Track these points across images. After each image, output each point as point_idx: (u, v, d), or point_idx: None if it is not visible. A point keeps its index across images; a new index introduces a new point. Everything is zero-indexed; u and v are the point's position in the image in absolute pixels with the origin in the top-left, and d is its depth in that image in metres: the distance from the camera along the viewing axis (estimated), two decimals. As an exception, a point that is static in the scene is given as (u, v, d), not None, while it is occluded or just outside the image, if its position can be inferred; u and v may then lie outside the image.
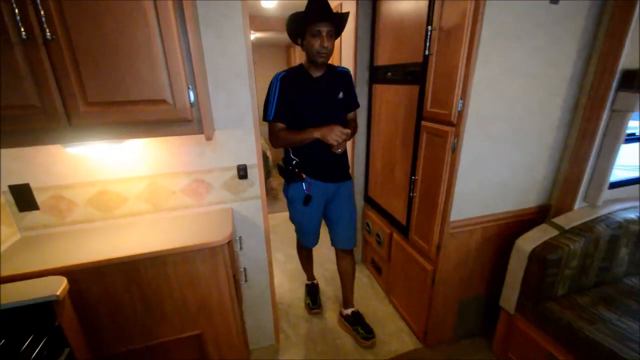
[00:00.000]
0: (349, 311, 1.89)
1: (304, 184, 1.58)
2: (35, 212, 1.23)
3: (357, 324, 1.83)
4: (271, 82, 1.46)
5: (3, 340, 0.82)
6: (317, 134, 1.43)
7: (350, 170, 1.73)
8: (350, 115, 1.67)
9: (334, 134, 1.41)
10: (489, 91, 1.26)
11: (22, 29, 0.83)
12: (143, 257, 1.09)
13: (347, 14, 1.44)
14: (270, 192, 4.02)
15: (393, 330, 1.87)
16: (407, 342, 1.79)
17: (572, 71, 1.36)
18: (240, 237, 1.47)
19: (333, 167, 1.61)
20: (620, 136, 1.34)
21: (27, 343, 0.83)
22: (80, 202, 1.26)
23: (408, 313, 1.89)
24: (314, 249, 1.98)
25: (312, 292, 2.11)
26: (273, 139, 1.52)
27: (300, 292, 2.21)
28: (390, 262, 2.02)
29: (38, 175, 1.19)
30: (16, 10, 0.81)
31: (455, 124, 1.30)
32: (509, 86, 1.28)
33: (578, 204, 1.49)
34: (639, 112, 1.30)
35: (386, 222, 2.02)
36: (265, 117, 1.47)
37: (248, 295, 1.60)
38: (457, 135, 1.31)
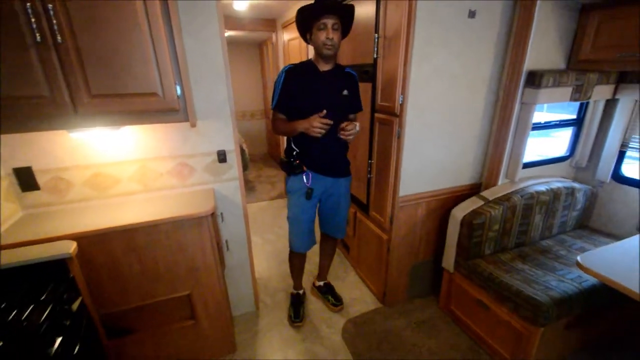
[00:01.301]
0: (321, 283, 2.14)
1: (304, 176, 1.64)
2: (36, 192, 1.40)
3: (328, 293, 2.09)
4: (279, 74, 1.55)
5: (29, 284, 1.02)
6: (300, 127, 1.47)
7: (349, 167, 1.77)
8: (352, 116, 1.69)
9: (313, 125, 1.42)
10: (423, 88, 1.56)
11: (37, 34, 1.01)
12: (139, 226, 1.29)
13: (351, 6, 1.49)
14: (247, 184, 4.22)
15: (358, 296, 2.16)
16: (370, 303, 2.08)
17: (491, 72, 1.68)
18: (221, 213, 1.69)
19: (332, 161, 1.66)
20: (528, 124, 1.68)
21: (49, 289, 1.03)
22: (77, 182, 1.44)
23: (370, 280, 2.18)
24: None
25: (297, 303, 1.99)
26: (273, 127, 1.62)
27: (277, 268, 2.45)
28: (355, 238, 2.31)
29: (40, 159, 1.36)
30: (32, 19, 1.00)
31: (398, 114, 1.59)
32: (438, 84, 1.58)
33: (501, 180, 1.83)
34: (541, 104, 1.64)
35: (353, 204, 2.29)
36: (271, 105, 1.58)
37: (230, 265, 1.83)
38: (400, 124, 1.60)
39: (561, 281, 1.48)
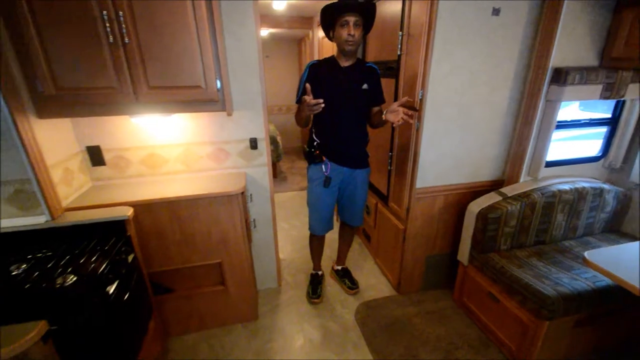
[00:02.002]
0: (339, 267, 2.29)
1: (323, 165, 1.75)
2: (103, 167, 1.69)
3: (345, 277, 2.22)
4: (305, 68, 1.67)
5: (97, 238, 1.28)
6: (302, 112, 1.55)
7: (368, 159, 1.86)
8: (376, 109, 1.74)
9: (306, 108, 1.46)
10: (441, 84, 1.62)
11: (110, 36, 1.25)
12: (182, 199, 1.52)
13: (373, 4, 1.57)
14: (279, 175, 4.45)
15: (374, 283, 2.27)
16: (384, 290, 2.18)
17: (515, 69, 1.69)
18: (251, 194, 1.89)
19: (350, 152, 1.75)
20: (553, 121, 1.67)
21: (111, 242, 1.28)
22: (134, 161, 1.71)
23: (387, 268, 2.28)
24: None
25: (315, 282, 2.15)
26: (296, 118, 1.71)
27: (300, 252, 2.63)
28: (376, 228, 2.41)
29: (106, 139, 1.64)
30: (107, 24, 1.24)
31: (418, 109, 1.67)
32: (457, 81, 1.63)
33: (523, 178, 1.83)
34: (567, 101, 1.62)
35: (374, 194, 2.40)
36: (295, 100, 1.67)
37: (256, 242, 2.03)
38: (419, 118, 1.68)
39: (574, 279, 1.48)
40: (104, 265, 1.16)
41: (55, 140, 1.43)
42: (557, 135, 1.82)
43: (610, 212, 1.86)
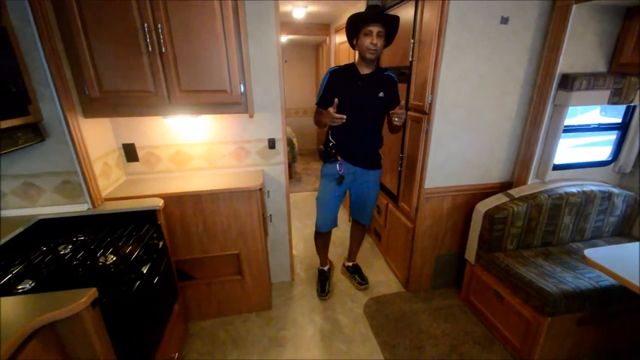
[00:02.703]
0: (350, 263, 2.38)
1: (337, 164, 1.86)
2: (136, 163, 1.86)
3: (355, 273, 2.31)
4: (324, 74, 1.78)
5: (132, 225, 1.43)
6: (324, 119, 1.70)
7: (381, 161, 1.95)
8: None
9: (328, 118, 1.62)
10: (450, 89, 1.70)
11: (149, 45, 1.41)
12: (205, 193, 1.67)
13: (396, 17, 1.65)
14: (294, 175, 4.59)
15: (384, 280, 2.34)
16: (394, 287, 2.26)
17: (525, 74, 1.75)
18: (268, 191, 2.02)
19: (364, 154, 1.86)
20: (560, 125, 1.72)
21: (144, 228, 1.43)
22: (164, 157, 1.87)
23: (396, 266, 2.35)
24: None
25: (323, 278, 2.23)
26: (315, 119, 1.87)
27: (313, 249, 2.71)
28: (386, 227, 2.49)
29: (140, 137, 1.81)
30: (147, 35, 1.40)
31: (427, 112, 1.76)
32: (466, 85, 1.71)
33: (531, 180, 1.88)
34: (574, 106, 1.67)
35: (385, 195, 2.48)
36: (315, 102, 1.83)
37: (272, 236, 2.15)
38: (428, 121, 1.76)
39: (578, 278, 1.52)
40: (139, 249, 1.30)
41: (97, 137, 1.61)
42: (570, 139, 1.87)
43: (620, 216, 1.87)
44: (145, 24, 1.37)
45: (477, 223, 1.84)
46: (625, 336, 1.64)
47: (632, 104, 1.73)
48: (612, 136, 1.96)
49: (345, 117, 1.60)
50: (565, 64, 1.64)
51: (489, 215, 1.76)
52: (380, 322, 1.92)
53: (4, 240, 1.22)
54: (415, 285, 2.18)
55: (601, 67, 1.71)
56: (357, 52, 1.73)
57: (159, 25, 1.38)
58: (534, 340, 1.52)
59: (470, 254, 1.93)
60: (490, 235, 1.77)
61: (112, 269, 1.14)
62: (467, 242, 1.95)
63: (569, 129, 1.89)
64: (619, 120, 1.92)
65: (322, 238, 2.16)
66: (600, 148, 2.02)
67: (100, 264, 1.17)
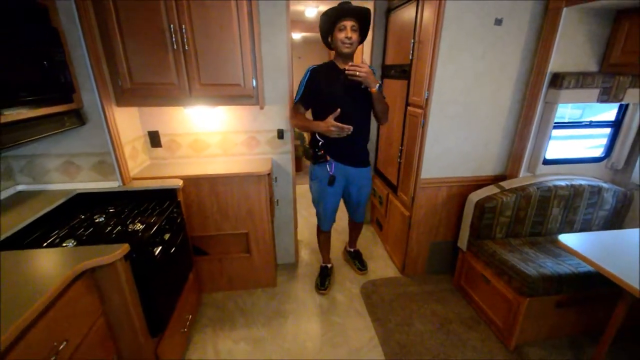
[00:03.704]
0: (351, 249, 2.53)
1: (327, 165, 1.85)
2: (159, 149, 2.08)
3: (356, 259, 2.47)
4: (305, 71, 1.79)
5: (155, 201, 1.64)
6: (319, 128, 1.70)
7: (369, 158, 1.99)
8: None
9: (330, 128, 1.64)
10: (446, 85, 1.82)
11: (174, 44, 1.61)
12: (219, 176, 1.86)
13: (367, 9, 1.66)
14: (303, 168, 4.77)
15: (382, 266, 2.49)
16: (390, 272, 2.40)
17: (518, 72, 1.86)
18: (276, 177, 2.21)
19: (354, 152, 1.86)
20: (550, 121, 1.81)
21: (166, 204, 1.64)
22: (184, 144, 2.08)
23: (394, 253, 2.50)
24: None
25: (324, 274, 2.28)
26: (292, 115, 1.88)
27: (318, 236, 2.91)
28: (387, 217, 2.63)
29: (163, 126, 2.02)
30: (172, 34, 1.60)
31: (424, 107, 1.89)
32: (461, 82, 1.82)
33: (522, 173, 1.98)
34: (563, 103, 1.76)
35: (386, 185, 2.62)
36: (294, 98, 1.84)
37: (278, 219, 2.33)
38: (424, 116, 1.89)
39: (558, 264, 1.63)
40: (161, 220, 1.51)
41: (127, 124, 1.83)
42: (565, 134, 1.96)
43: (610, 210, 1.95)
44: (172, 25, 1.57)
45: (469, 212, 1.96)
46: (604, 320, 1.73)
47: (623, 102, 1.81)
48: (606, 132, 2.04)
49: (351, 127, 1.61)
50: (556, 63, 1.74)
51: (479, 205, 1.88)
52: (375, 301, 2.08)
53: (48, 209, 1.45)
54: (410, 270, 2.32)
55: (592, 66, 1.79)
56: (334, 48, 1.75)
57: (183, 26, 1.57)
58: (514, 319, 1.64)
59: (463, 241, 2.05)
60: (480, 223, 1.89)
61: (139, 234, 1.35)
62: (460, 230, 2.08)
63: (564, 125, 1.99)
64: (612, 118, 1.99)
65: (323, 235, 2.23)
66: (594, 144, 2.10)
67: (130, 230, 1.38)
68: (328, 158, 1.84)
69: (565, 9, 1.63)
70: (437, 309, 2.01)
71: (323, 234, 2.22)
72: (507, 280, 1.66)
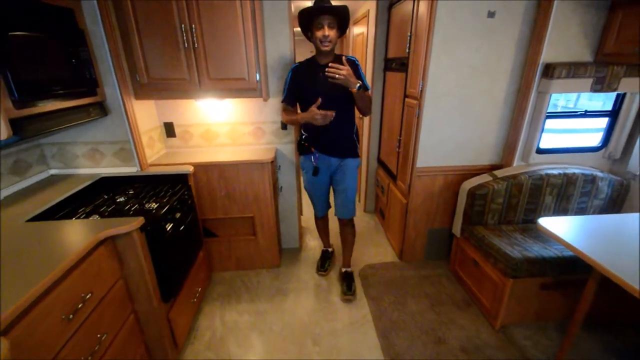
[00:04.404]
0: (343, 270, 2.22)
1: (312, 156, 1.90)
2: (173, 138, 2.27)
3: (345, 281, 2.14)
4: (289, 70, 1.83)
5: (169, 185, 1.83)
6: (305, 119, 1.71)
7: (357, 150, 1.95)
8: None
9: (315, 117, 1.64)
10: (441, 77, 1.90)
11: (185, 43, 1.77)
12: (228, 163, 2.03)
13: (344, 6, 1.65)
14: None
15: (382, 252, 2.60)
16: (389, 257, 2.51)
17: (512, 64, 1.90)
18: (279, 165, 2.35)
19: (336, 143, 1.86)
20: (543, 111, 1.86)
21: (178, 187, 1.82)
22: (195, 134, 2.27)
23: (393, 239, 2.60)
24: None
25: (324, 257, 2.40)
26: (283, 116, 1.91)
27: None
28: (388, 205, 2.73)
29: (177, 117, 2.21)
30: (184, 34, 1.76)
31: (419, 98, 1.97)
32: (455, 74, 1.89)
33: (516, 162, 2.03)
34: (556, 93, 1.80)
35: (387, 175, 2.72)
36: (282, 98, 1.89)
37: (282, 206, 2.49)
38: (420, 107, 1.98)
39: (544, 248, 1.69)
40: (173, 200, 1.69)
41: (144, 116, 2.02)
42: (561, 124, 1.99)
43: (606, 199, 1.97)
44: (183, 25, 1.73)
45: (462, 199, 2.04)
46: (590, 305, 1.77)
47: (617, 92, 1.82)
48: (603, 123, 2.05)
49: (334, 112, 1.63)
50: (549, 54, 1.78)
51: (471, 192, 1.95)
52: (372, 282, 2.20)
53: (76, 190, 1.66)
54: (408, 256, 2.42)
55: (587, 57, 1.82)
56: (314, 44, 1.73)
57: (193, 26, 1.73)
58: (500, 300, 1.72)
59: (457, 227, 2.13)
60: (472, 210, 1.96)
61: (154, 211, 1.53)
62: (454, 217, 2.16)
63: (560, 115, 2.02)
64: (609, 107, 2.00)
65: (319, 221, 2.32)
66: (591, 134, 2.11)
67: (146, 208, 1.57)
68: (312, 150, 1.89)
69: (556, 1, 1.66)
70: (431, 291, 2.10)
71: (319, 219, 2.31)
72: (493, 263, 1.74)
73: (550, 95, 1.81)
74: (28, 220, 1.33)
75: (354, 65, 1.76)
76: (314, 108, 1.66)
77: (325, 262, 2.38)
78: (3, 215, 1.36)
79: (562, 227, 1.42)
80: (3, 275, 0.94)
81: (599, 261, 1.18)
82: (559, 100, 2.24)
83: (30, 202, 1.48)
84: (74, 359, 1.02)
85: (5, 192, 1.55)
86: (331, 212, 2.20)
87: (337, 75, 1.57)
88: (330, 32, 1.64)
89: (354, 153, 1.94)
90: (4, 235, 1.19)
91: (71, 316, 1.01)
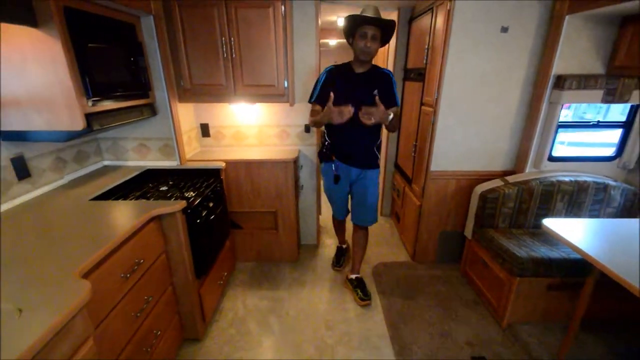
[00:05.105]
0: (353, 276, 2.22)
1: (333, 165, 1.93)
2: (208, 138, 2.52)
3: (358, 287, 2.14)
4: (322, 72, 1.86)
5: (204, 178, 2.06)
6: (325, 119, 1.68)
7: (378, 161, 1.96)
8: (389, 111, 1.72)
9: (334, 115, 1.61)
10: (455, 87, 2.03)
11: (225, 53, 2.02)
12: (255, 161, 2.24)
13: (392, 21, 1.67)
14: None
15: (395, 251, 2.72)
16: (402, 257, 2.62)
17: (525, 75, 2.01)
18: (301, 165, 2.55)
19: (357, 154, 1.88)
20: (554, 121, 1.94)
21: (211, 180, 2.05)
22: (227, 135, 2.51)
23: (407, 240, 2.70)
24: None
25: (339, 253, 2.52)
26: (310, 116, 1.93)
27: (339, 224, 3.19)
28: (403, 208, 2.85)
29: (212, 119, 2.46)
30: (224, 45, 2.01)
31: (434, 106, 2.11)
32: (469, 84, 2.02)
33: (528, 169, 2.11)
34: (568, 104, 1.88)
35: (403, 179, 2.84)
36: (309, 99, 1.92)
37: (303, 204, 2.67)
38: (435, 114, 2.11)
39: (551, 250, 1.76)
40: (207, 191, 1.91)
41: (185, 117, 2.28)
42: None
43: (618, 208, 2.00)
44: (223, 38, 1.98)
45: (474, 202, 2.13)
46: (597, 307, 1.80)
47: (631, 104, 1.88)
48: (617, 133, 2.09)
49: (352, 108, 1.59)
50: (560, 66, 1.87)
51: (482, 196, 2.05)
52: (384, 279, 2.32)
53: (126, 179, 1.91)
54: (421, 256, 2.52)
55: (598, 69, 1.89)
56: (353, 51, 1.78)
57: (232, 38, 1.98)
58: (507, 299, 1.79)
59: (468, 230, 2.22)
60: (483, 213, 2.06)
61: (191, 199, 1.76)
62: (467, 220, 2.25)
63: (575, 125, 2.08)
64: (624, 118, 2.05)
65: (337, 221, 2.40)
66: (605, 143, 2.16)
67: (185, 195, 1.80)
68: (333, 158, 1.90)
69: (567, 17, 1.77)
70: (441, 290, 2.19)
71: (337, 220, 2.40)
72: (501, 263, 1.83)
73: (562, 105, 1.89)
74: (91, 200, 1.58)
75: (388, 79, 1.79)
76: (329, 104, 1.64)
77: (340, 258, 2.51)
78: (70, 194, 1.62)
79: (566, 228, 1.50)
80: (82, 236, 1.17)
81: (598, 258, 1.26)
82: (586, 113, 2.28)
83: (90, 186, 1.74)
84: (128, 310, 1.23)
85: (69, 177, 1.83)
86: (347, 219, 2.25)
87: (372, 119, 1.59)
88: (372, 44, 1.65)
89: (375, 164, 1.95)
90: (75, 209, 1.44)
91: (128, 275, 1.22)
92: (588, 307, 1.71)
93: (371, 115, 1.60)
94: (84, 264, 0.99)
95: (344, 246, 2.60)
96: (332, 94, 1.65)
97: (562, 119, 1.98)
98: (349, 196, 2.11)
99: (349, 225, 2.49)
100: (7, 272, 0.97)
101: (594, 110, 2.75)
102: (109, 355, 1.12)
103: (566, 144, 4.10)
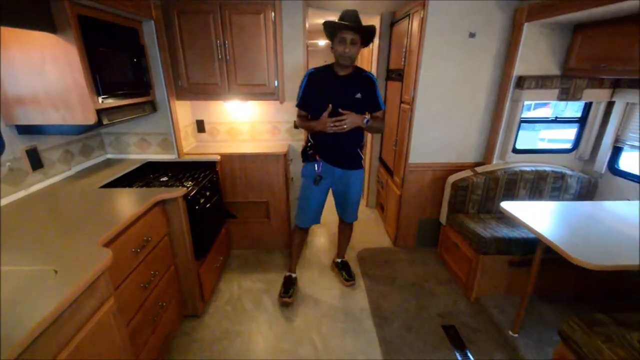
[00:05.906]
0: (339, 259, 2.42)
1: (316, 164, 1.90)
2: (203, 134, 2.70)
3: (343, 269, 2.33)
4: (304, 75, 1.86)
5: (201, 170, 2.24)
6: (317, 127, 1.75)
7: (362, 162, 2.00)
8: (374, 114, 1.87)
9: (325, 124, 1.69)
10: (429, 86, 2.24)
11: (219, 55, 2.20)
12: (248, 155, 2.43)
13: (371, 26, 1.67)
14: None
15: (379, 239, 2.93)
16: (385, 243, 2.84)
17: (491, 77, 2.23)
18: (291, 159, 2.74)
19: (341, 155, 1.90)
20: (516, 117, 2.17)
21: (207, 172, 2.23)
22: (222, 131, 2.69)
23: (389, 227, 2.92)
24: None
25: (287, 283, 2.16)
26: (298, 121, 2.00)
27: (329, 216, 3.36)
28: (386, 199, 3.06)
29: (207, 115, 2.64)
30: (219, 48, 2.18)
31: (411, 104, 2.33)
32: (442, 85, 2.24)
33: (495, 160, 2.34)
34: (528, 102, 2.12)
35: (386, 171, 3.06)
36: (296, 103, 1.95)
37: (293, 196, 2.85)
38: (412, 111, 2.33)
39: (512, 232, 1.99)
40: (204, 181, 2.09)
41: (182, 113, 2.45)
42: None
43: (575, 194, 2.25)
44: (218, 41, 2.16)
45: (447, 190, 2.35)
46: (552, 281, 2.04)
47: (582, 101, 2.12)
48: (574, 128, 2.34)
49: (346, 118, 1.67)
50: (521, 68, 2.10)
51: (454, 184, 2.27)
52: (367, 262, 2.53)
53: (128, 170, 2.08)
54: (402, 242, 2.74)
55: (555, 71, 2.13)
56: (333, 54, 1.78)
57: (226, 42, 2.16)
58: (474, 275, 2.02)
59: (443, 216, 2.44)
60: (455, 200, 2.28)
61: (190, 187, 1.94)
62: (441, 207, 2.47)
63: (537, 121, 2.32)
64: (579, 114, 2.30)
65: (299, 234, 2.15)
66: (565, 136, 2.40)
67: (184, 184, 1.97)
68: (317, 157, 1.89)
69: (526, 24, 2.00)
70: (419, 271, 2.42)
71: (299, 232, 2.14)
72: (469, 243, 2.05)
73: (523, 103, 2.13)
74: (100, 187, 1.75)
75: (371, 82, 1.81)
76: (325, 116, 1.70)
77: (288, 288, 2.13)
78: (79, 183, 1.79)
79: (521, 209, 1.73)
80: (98, 216, 1.35)
81: (543, 233, 1.49)
82: (564, 111, 2.53)
83: (96, 176, 1.91)
84: (138, 281, 1.41)
85: (76, 168, 1.99)
86: (333, 211, 2.28)
87: (344, 126, 1.68)
88: (351, 49, 1.65)
89: (358, 165, 1.98)
90: (88, 195, 1.61)
91: (138, 250, 1.40)
92: (545, 281, 1.95)
93: (342, 124, 1.69)
94: (105, 235, 1.18)
95: (294, 275, 2.23)
96: (330, 106, 1.72)
97: (543, 116, 2.22)
98: (326, 200, 2.09)
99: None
100: (38, 244, 1.14)
101: (572, 108, 3.00)
102: (124, 316, 1.30)
103: (547, 140, 4.38)
